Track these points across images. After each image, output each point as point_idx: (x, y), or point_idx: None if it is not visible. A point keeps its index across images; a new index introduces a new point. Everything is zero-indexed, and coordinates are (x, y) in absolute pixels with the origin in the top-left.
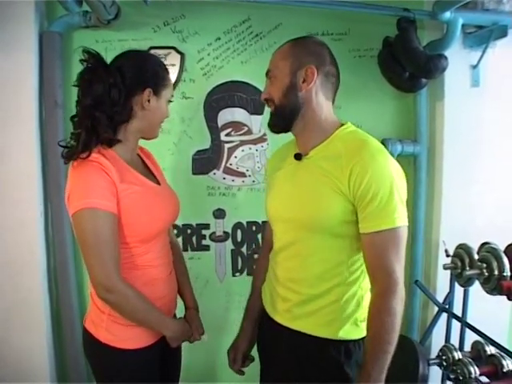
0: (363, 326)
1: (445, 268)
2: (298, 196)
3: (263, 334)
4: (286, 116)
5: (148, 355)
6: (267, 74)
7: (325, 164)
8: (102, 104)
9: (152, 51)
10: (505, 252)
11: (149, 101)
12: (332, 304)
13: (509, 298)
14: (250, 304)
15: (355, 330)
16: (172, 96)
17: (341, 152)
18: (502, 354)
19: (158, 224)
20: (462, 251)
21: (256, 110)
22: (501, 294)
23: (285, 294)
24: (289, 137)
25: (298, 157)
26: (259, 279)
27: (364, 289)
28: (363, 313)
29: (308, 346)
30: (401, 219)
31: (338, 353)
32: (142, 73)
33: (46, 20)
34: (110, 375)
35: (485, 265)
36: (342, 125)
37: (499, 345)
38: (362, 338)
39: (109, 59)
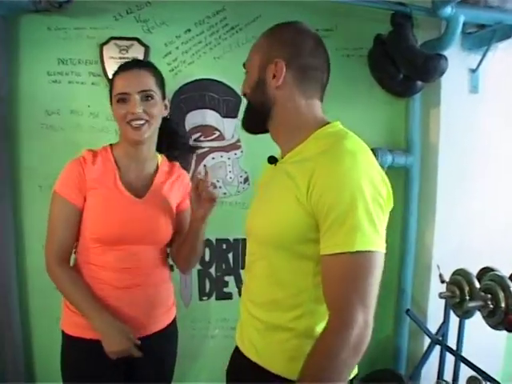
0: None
1: (441, 297)
2: (263, 207)
3: (232, 368)
4: (256, 115)
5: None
6: (244, 67)
7: (292, 169)
8: None
9: (112, 42)
10: (511, 280)
11: (113, 109)
12: (295, 338)
13: None
14: None
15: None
16: (117, 95)
17: (308, 155)
18: None
19: (113, 230)
20: (461, 278)
21: (229, 113)
22: (508, 330)
23: (249, 323)
24: (268, 143)
25: (271, 161)
26: None
27: (313, 326)
28: (303, 352)
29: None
30: (364, 242)
31: None
32: None
33: None
34: (64, 362)
35: (489, 296)
36: (325, 124)
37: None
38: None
39: (62, 49)
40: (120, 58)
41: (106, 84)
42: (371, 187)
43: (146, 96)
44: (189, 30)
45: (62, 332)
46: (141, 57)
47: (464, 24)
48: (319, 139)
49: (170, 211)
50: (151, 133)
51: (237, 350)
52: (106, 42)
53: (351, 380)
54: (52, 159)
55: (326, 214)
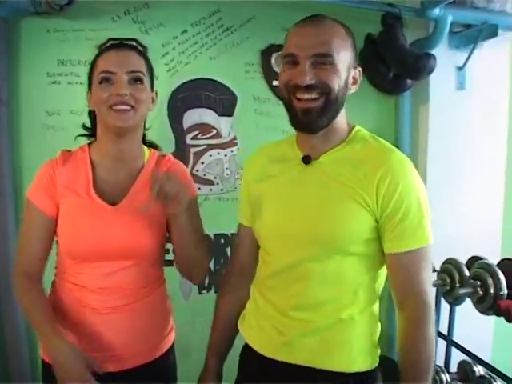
0: (375, 354)
1: (433, 285)
2: (310, 207)
3: (249, 375)
4: (332, 114)
5: None
6: (321, 56)
7: (343, 170)
8: None
9: (110, 43)
10: (498, 267)
11: (89, 100)
12: (345, 332)
13: (508, 320)
14: (214, 338)
15: (368, 360)
16: (100, 73)
17: (361, 157)
18: (492, 375)
19: (83, 243)
20: (451, 266)
21: (225, 111)
22: (497, 315)
23: (285, 325)
24: (264, 140)
25: (306, 160)
26: (228, 308)
27: (375, 314)
28: (375, 340)
29: (320, 381)
30: (432, 236)
31: None
32: None
33: None
34: None
35: (479, 282)
36: (353, 127)
37: (490, 365)
38: (375, 369)
39: (61, 51)
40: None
41: None
42: (423, 188)
43: (135, 78)
44: (185, 31)
45: (42, 361)
46: None
47: (451, 24)
48: (360, 141)
49: (154, 216)
50: (136, 122)
51: (256, 358)
52: (105, 43)
53: (375, 369)
54: None
55: (401, 217)
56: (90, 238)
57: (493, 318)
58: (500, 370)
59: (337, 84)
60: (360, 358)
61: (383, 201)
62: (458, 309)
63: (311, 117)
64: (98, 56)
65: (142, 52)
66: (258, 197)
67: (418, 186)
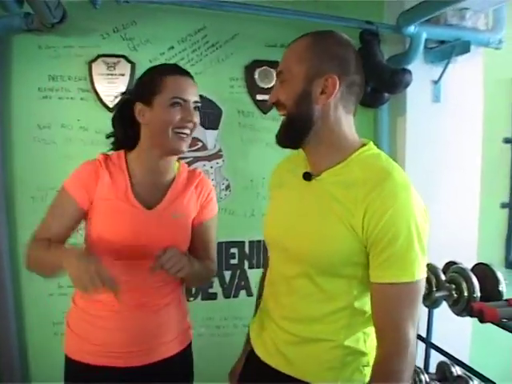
0: (366, 371)
1: None
2: (301, 223)
3: (250, 376)
4: (297, 129)
5: (93, 374)
6: (278, 74)
7: (337, 191)
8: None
9: (100, 59)
10: (473, 272)
11: (143, 115)
12: (332, 350)
13: (481, 321)
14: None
15: (357, 376)
16: (174, 98)
17: (357, 180)
18: (469, 375)
19: (119, 240)
20: (428, 271)
21: (211, 125)
22: (471, 316)
23: (276, 335)
24: (249, 152)
25: (307, 177)
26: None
27: (367, 333)
28: (366, 358)
29: None
30: (421, 271)
31: None
32: (133, 90)
33: None
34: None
35: (454, 286)
36: (364, 145)
37: (467, 366)
38: None
39: (52, 67)
40: (108, 75)
41: (95, 99)
42: (421, 219)
43: (196, 107)
44: (172, 47)
45: (65, 356)
46: (127, 73)
47: (426, 40)
48: (362, 162)
49: (183, 224)
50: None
51: (254, 358)
52: (94, 60)
53: None
54: (44, 171)
55: (386, 245)
56: (125, 236)
57: (470, 321)
58: (478, 369)
59: (289, 99)
60: (348, 374)
61: (369, 227)
62: (438, 312)
63: (279, 131)
64: (163, 75)
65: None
66: (270, 204)
67: (413, 216)
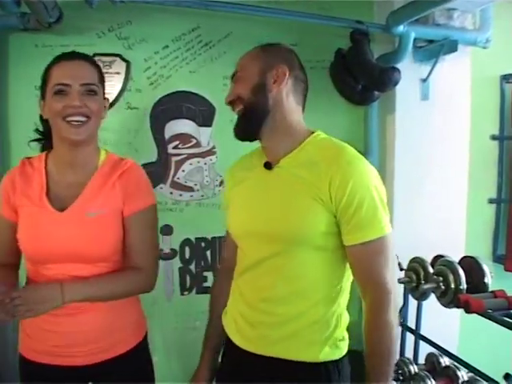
0: (342, 345)
1: (400, 282)
2: (272, 207)
3: (229, 366)
4: (255, 117)
5: (49, 374)
6: (232, 76)
7: (300, 171)
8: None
9: (96, 58)
10: (460, 264)
11: (42, 109)
12: (312, 324)
13: (467, 311)
14: (209, 332)
15: (335, 350)
16: (56, 85)
17: (316, 159)
18: (457, 365)
19: (37, 247)
20: (417, 265)
21: (205, 122)
22: (458, 307)
23: (255, 318)
24: (241, 149)
25: (268, 166)
26: (219, 304)
27: (342, 306)
28: (341, 332)
29: (286, 372)
30: (387, 227)
31: (318, 376)
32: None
33: None
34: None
35: (441, 278)
36: (313, 132)
37: (455, 356)
38: (341, 358)
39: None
40: (104, 73)
41: None
42: (378, 181)
43: (89, 90)
44: (166, 47)
45: (20, 355)
46: (123, 72)
47: (415, 39)
48: (317, 145)
49: (102, 223)
50: (90, 133)
51: (232, 349)
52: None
53: (341, 359)
54: None
55: (354, 211)
56: (41, 242)
57: (458, 313)
58: (466, 359)
59: (246, 90)
60: (327, 348)
61: (336, 196)
62: (427, 305)
63: (237, 124)
64: (50, 66)
65: (94, 61)
66: (231, 201)
67: (371, 181)
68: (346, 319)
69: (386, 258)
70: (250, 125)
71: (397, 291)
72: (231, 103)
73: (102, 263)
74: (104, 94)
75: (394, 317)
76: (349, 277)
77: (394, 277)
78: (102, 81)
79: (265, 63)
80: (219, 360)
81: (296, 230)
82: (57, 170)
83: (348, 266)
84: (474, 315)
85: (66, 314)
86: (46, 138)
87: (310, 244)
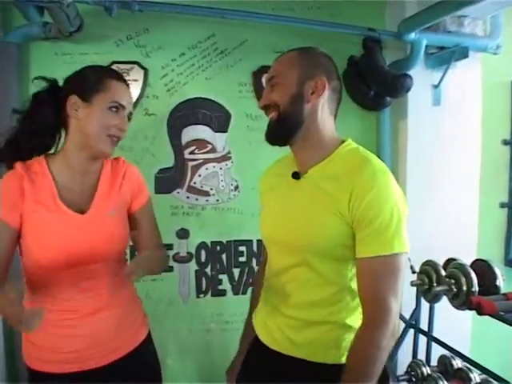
0: None
1: (412, 285)
2: (293, 218)
3: (255, 362)
4: (289, 126)
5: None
6: (268, 81)
7: (324, 184)
8: (28, 116)
9: (114, 66)
10: (471, 267)
11: (76, 109)
12: (334, 329)
13: (479, 313)
14: (246, 323)
15: None
16: (114, 101)
17: (340, 172)
18: (469, 367)
19: (59, 253)
20: (429, 268)
21: (220, 128)
22: (470, 309)
23: (281, 322)
24: (256, 155)
25: (296, 175)
26: (257, 301)
27: (360, 312)
28: None
29: (310, 373)
30: (400, 245)
31: (340, 376)
32: (69, 81)
33: (1, 30)
34: None
35: (453, 281)
36: (343, 141)
37: (468, 358)
38: None
39: (68, 73)
40: None
41: None
42: (400, 199)
43: (129, 117)
44: (183, 54)
45: (27, 368)
46: (140, 79)
47: (426, 46)
48: (344, 156)
49: (120, 219)
50: None
51: (260, 347)
52: (109, 66)
53: None
54: None
55: (368, 222)
56: (62, 248)
57: (470, 316)
58: (478, 361)
59: (284, 99)
60: (333, 352)
61: (353, 207)
62: (440, 307)
63: (269, 129)
64: (108, 77)
65: None
66: (263, 206)
67: (391, 196)
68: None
69: (393, 278)
70: (283, 132)
71: (396, 319)
72: (265, 108)
73: (114, 260)
74: None
75: (385, 340)
76: None
77: (397, 302)
78: None
79: (304, 72)
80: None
81: (316, 242)
82: (66, 176)
83: None
84: (486, 318)
85: (84, 314)
86: (43, 132)
87: (330, 256)
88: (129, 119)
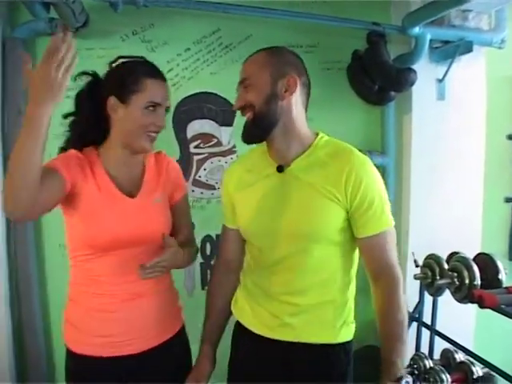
0: (352, 327)
1: (415, 278)
2: (291, 208)
3: (244, 351)
4: (265, 125)
5: (96, 366)
6: (241, 82)
7: (312, 174)
8: (81, 112)
9: (120, 61)
10: (474, 261)
11: (115, 110)
12: (330, 310)
13: (480, 306)
14: (208, 327)
15: (348, 331)
16: (151, 102)
17: (325, 160)
18: (472, 360)
19: (111, 234)
20: (432, 261)
21: (225, 122)
22: (472, 303)
23: (277, 309)
24: None
25: (280, 169)
26: (219, 299)
27: (352, 293)
28: (352, 315)
29: (305, 354)
30: (392, 220)
31: (339, 355)
32: (107, 80)
33: (8, 26)
34: (68, 378)
35: (455, 274)
36: (317, 134)
37: (470, 351)
38: (352, 340)
39: (76, 67)
40: None
41: None
42: (381, 181)
43: (166, 111)
44: (188, 49)
45: (65, 347)
46: None
47: (431, 40)
48: (323, 147)
49: (163, 208)
50: None
51: (251, 337)
52: (115, 61)
53: (351, 340)
54: None
55: (366, 208)
56: (113, 228)
57: (475, 311)
58: (481, 355)
59: (259, 99)
60: (341, 330)
61: (351, 194)
62: (444, 301)
63: (245, 130)
64: (145, 75)
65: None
66: (242, 203)
67: (378, 180)
68: (353, 304)
69: (394, 246)
70: (259, 132)
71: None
72: (241, 108)
73: (157, 245)
74: None
75: (404, 299)
76: (356, 266)
77: (397, 262)
78: None
79: (275, 71)
80: (230, 348)
81: (316, 228)
82: (113, 167)
83: (355, 256)
84: (490, 312)
85: (125, 299)
86: (98, 133)
87: (327, 240)
88: (167, 111)
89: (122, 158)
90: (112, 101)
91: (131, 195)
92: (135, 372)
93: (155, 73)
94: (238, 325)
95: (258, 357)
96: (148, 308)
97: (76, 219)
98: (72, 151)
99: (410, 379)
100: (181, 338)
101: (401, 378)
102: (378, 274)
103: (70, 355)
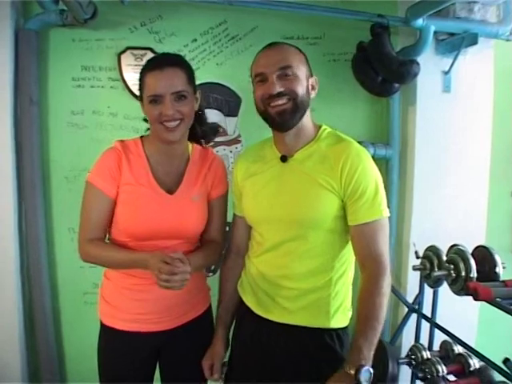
0: (348, 315)
1: (414, 269)
2: (290, 196)
3: (247, 332)
4: (301, 115)
5: (127, 339)
6: (283, 69)
7: (313, 164)
8: None
9: (128, 51)
10: (472, 254)
11: (142, 107)
12: (325, 297)
13: (475, 299)
14: (221, 310)
15: (344, 318)
16: (150, 96)
17: (326, 153)
18: (469, 353)
19: (145, 227)
20: (431, 253)
21: (231, 112)
22: (467, 295)
23: (275, 292)
24: (265, 137)
25: (283, 159)
26: (230, 283)
27: (349, 280)
28: (349, 302)
29: (303, 337)
30: (386, 211)
31: (331, 340)
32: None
33: (22, 18)
34: (99, 349)
35: (452, 266)
36: (320, 126)
37: (466, 344)
38: (347, 326)
39: (85, 58)
40: (135, 65)
41: (124, 88)
42: (378, 172)
43: (179, 96)
44: (195, 40)
45: (100, 321)
46: None
47: (436, 32)
48: (326, 139)
49: (200, 206)
50: (184, 132)
51: (253, 318)
52: (123, 51)
53: (347, 326)
54: (77, 153)
55: (359, 196)
56: (149, 221)
57: (476, 304)
58: (484, 349)
59: (300, 90)
60: (337, 316)
61: (345, 182)
62: (446, 294)
63: (285, 117)
64: (145, 71)
65: (183, 62)
66: (247, 192)
67: (373, 171)
68: (350, 292)
69: (384, 237)
70: (296, 120)
71: (389, 269)
72: (278, 94)
73: (189, 240)
74: (195, 88)
75: (387, 287)
76: (353, 254)
77: (388, 255)
78: (191, 79)
79: (308, 69)
80: (234, 328)
81: (312, 215)
82: (155, 158)
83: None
84: (494, 308)
85: (152, 282)
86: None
87: (323, 227)
88: (182, 97)
89: (162, 150)
90: (141, 102)
91: (170, 191)
92: (162, 347)
93: (154, 64)
94: (242, 303)
95: (257, 336)
96: (176, 292)
97: (117, 210)
98: (112, 147)
99: (370, 369)
100: (208, 316)
101: (361, 367)
102: (364, 262)
103: (103, 328)
